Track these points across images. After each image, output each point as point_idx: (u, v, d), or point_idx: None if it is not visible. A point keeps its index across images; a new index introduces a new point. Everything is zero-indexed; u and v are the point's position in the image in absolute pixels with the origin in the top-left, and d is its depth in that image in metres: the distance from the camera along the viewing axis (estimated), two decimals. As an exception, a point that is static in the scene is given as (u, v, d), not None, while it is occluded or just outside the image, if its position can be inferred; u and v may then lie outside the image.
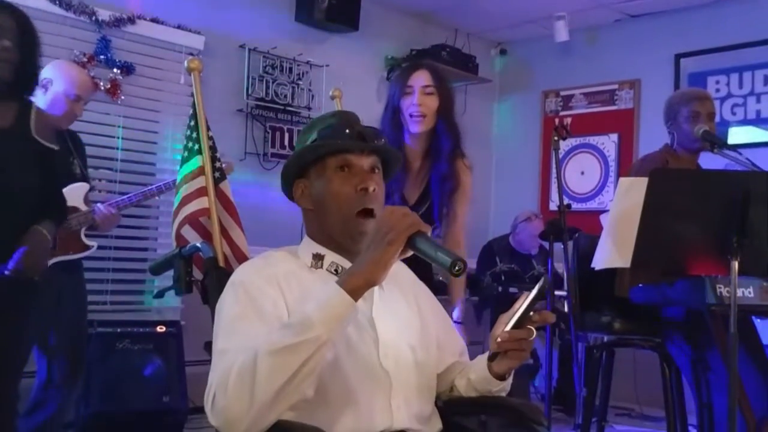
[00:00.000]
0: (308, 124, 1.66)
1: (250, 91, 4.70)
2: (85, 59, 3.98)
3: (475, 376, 1.58)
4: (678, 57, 5.29)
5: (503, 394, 1.62)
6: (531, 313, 1.42)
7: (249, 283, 1.45)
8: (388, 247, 1.33)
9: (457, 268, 1.32)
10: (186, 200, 2.08)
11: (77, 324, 3.15)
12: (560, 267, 4.16)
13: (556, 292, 4.13)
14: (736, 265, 2.13)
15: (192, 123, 2.14)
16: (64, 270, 3.04)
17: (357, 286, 1.33)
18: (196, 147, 2.10)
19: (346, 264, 1.53)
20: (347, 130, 1.54)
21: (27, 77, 2.40)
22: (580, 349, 4.16)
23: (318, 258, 1.55)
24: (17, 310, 2.40)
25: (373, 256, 1.34)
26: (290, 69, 4.89)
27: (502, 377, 1.56)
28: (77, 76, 3.11)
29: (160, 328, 3.84)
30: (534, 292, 1.40)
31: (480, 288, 4.95)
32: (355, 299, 1.33)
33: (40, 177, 2.37)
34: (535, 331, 1.43)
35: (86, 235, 3.13)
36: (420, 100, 2.59)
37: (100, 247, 4.02)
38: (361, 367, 1.45)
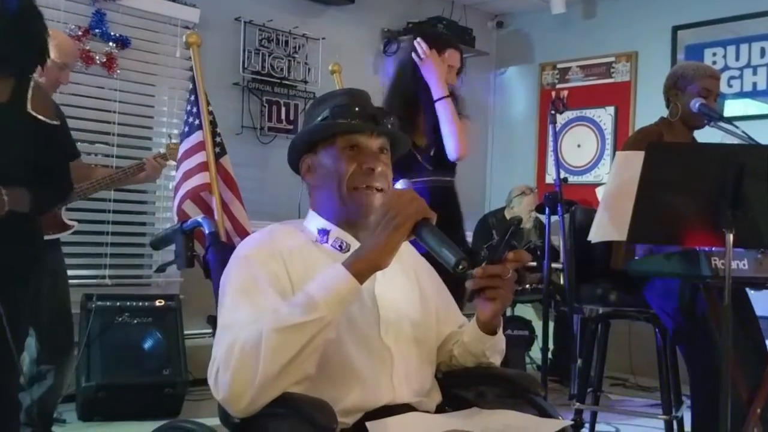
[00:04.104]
0: (319, 98, 1.66)
1: (246, 65, 4.68)
2: (80, 33, 3.96)
3: (468, 337, 1.60)
4: (675, 29, 5.28)
5: (497, 357, 1.64)
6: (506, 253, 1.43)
7: (253, 257, 1.47)
8: (394, 231, 1.35)
9: (461, 267, 1.32)
10: (187, 175, 2.09)
11: (61, 300, 3.16)
12: (556, 240, 4.20)
13: (553, 265, 4.16)
14: (731, 237, 2.14)
15: (192, 98, 2.13)
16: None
17: (363, 269, 1.35)
18: (197, 122, 2.10)
19: (351, 240, 1.55)
20: (358, 110, 1.54)
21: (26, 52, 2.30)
22: (575, 320, 4.21)
23: (323, 233, 1.56)
24: (19, 282, 2.39)
25: (380, 239, 1.35)
26: (286, 42, 4.86)
27: (491, 331, 1.57)
28: (63, 43, 3.04)
29: (159, 302, 3.87)
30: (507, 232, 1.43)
31: (476, 261, 4.98)
32: (361, 282, 1.35)
33: (35, 152, 2.30)
34: (510, 270, 1.43)
35: (69, 210, 3.16)
36: (450, 78, 3.01)
37: (98, 222, 4.07)
38: (363, 344, 1.47)
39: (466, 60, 5.72)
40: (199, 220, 1.81)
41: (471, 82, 5.99)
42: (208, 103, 2.14)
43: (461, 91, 3.14)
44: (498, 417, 1.49)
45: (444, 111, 2.88)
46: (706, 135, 3.07)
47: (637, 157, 2.26)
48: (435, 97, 2.90)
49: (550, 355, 4.28)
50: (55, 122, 2.36)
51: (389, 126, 1.57)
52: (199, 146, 2.09)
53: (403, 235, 1.36)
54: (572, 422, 1.44)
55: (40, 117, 2.29)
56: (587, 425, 3.21)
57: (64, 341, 3.15)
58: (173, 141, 3.08)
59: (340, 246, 1.54)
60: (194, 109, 2.09)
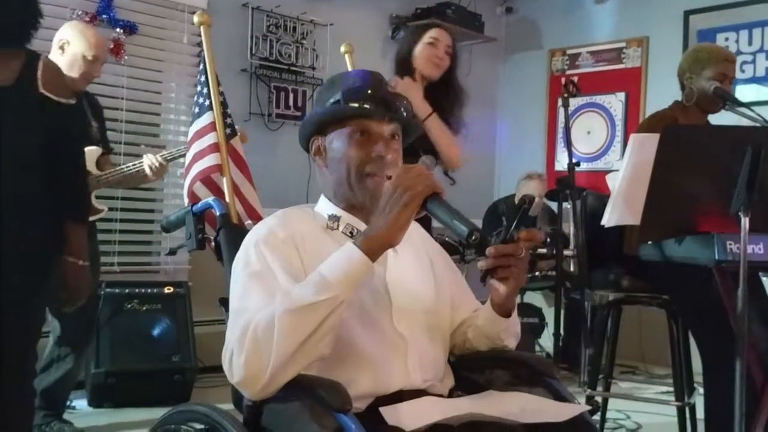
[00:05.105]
0: (331, 78, 1.63)
1: (253, 51, 4.65)
2: (87, 19, 3.93)
3: (483, 320, 1.58)
4: (687, 14, 5.22)
5: (512, 341, 1.62)
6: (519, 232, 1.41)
7: (266, 242, 1.46)
8: (404, 208, 1.33)
9: (473, 237, 1.32)
10: (198, 156, 2.06)
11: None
12: (567, 226, 4.17)
13: (564, 251, 4.13)
14: (746, 221, 2.12)
15: (202, 79, 2.11)
16: None
17: (374, 247, 1.34)
18: (207, 103, 2.08)
19: (362, 226, 1.53)
20: (371, 93, 1.52)
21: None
22: (587, 307, 4.19)
23: (334, 219, 1.55)
24: (36, 275, 2.30)
25: (390, 217, 1.34)
26: (294, 28, 4.83)
27: (506, 313, 1.55)
28: (94, 36, 3.07)
29: (168, 289, 3.87)
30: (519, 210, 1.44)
31: (487, 245, 4.96)
32: (373, 260, 1.33)
33: (47, 135, 2.14)
34: (523, 249, 1.40)
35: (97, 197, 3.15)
36: (443, 54, 3.06)
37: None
38: (375, 332, 1.46)
39: (473, 47, 5.76)
40: (210, 201, 1.80)
41: (479, 69, 5.97)
42: (219, 84, 2.11)
43: (468, 80, 3.18)
44: (514, 400, 1.47)
45: (428, 130, 2.93)
46: (720, 119, 3.04)
47: (652, 140, 2.23)
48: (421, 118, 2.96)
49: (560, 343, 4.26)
50: (70, 101, 2.21)
51: (402, 111, 1.55)
52: (210, 127, 2.06)
53: (413, 210, 1.34)
54: (590, 408, 1.41)
55: (53, 97, 2.15)
56: (599, 412, 3.19)
57: (86, 326, 3.15)
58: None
59: (351, 233, 1.53)
60: (204, 90, 2.06)
